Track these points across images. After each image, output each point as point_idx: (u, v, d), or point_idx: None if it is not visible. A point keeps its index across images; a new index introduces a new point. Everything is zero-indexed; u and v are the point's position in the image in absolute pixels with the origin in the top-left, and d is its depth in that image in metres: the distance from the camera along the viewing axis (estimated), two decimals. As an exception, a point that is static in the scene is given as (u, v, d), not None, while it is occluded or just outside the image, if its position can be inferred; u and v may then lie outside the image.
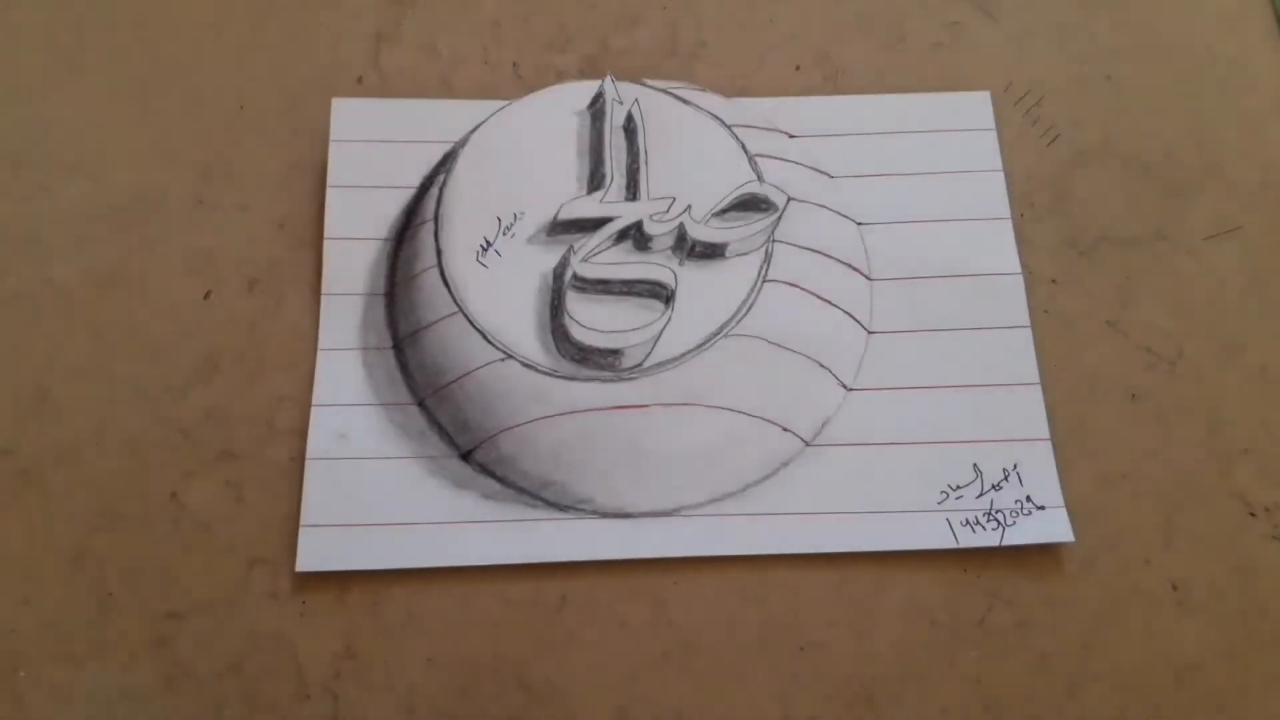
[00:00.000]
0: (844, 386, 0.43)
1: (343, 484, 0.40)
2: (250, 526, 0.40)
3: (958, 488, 0.41)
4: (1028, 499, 0.41)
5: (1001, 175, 0.47)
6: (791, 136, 0.47)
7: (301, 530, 0.39)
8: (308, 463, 0.41)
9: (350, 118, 0.46)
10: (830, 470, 0.41)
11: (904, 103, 0.48)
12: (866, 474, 0.41)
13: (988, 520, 0.40)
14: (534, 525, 0.40)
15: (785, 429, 0.41)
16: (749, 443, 0.41)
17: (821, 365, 0.42)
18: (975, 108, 0.48)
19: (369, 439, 0.41)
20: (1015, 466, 0.41)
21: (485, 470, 0.41)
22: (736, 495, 0.41)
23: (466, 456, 0.41)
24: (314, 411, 0.41)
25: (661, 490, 0.40)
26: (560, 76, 0.48)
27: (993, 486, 0.41)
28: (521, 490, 0.40)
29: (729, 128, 0.45)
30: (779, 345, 0.41)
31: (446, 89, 0.48)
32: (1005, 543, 0.40)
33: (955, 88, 0.49)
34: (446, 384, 0.41)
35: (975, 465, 0.41)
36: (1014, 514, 0.40)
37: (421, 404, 0.42)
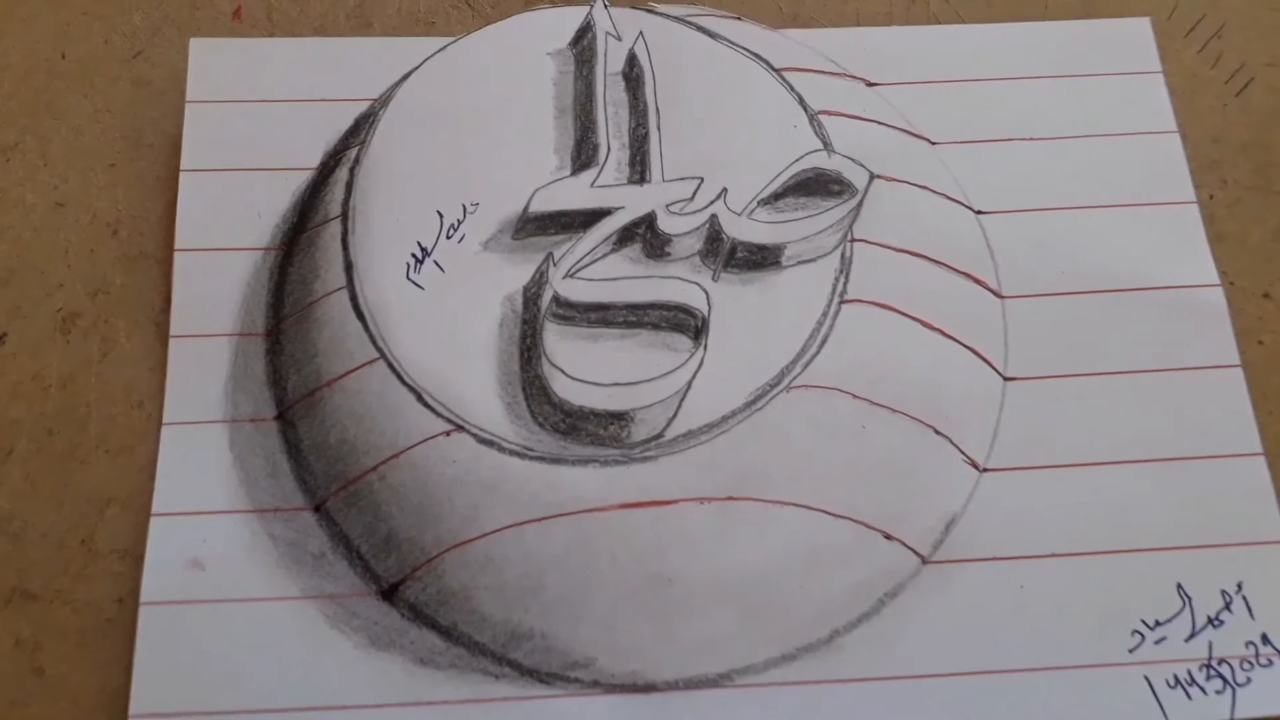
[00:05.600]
0: (974, 465, 0.36)
1: (197, 643, 0.34)
2: (52, 714, 0.34)
3: (1157, 624, 0.33)
4: (1264, 640, 0.33)
5: (1176, 138, 0.40)
6: (870, 84, 0.41)
7: (131, 722, 0.32)
8: (143, 609, 0.34)
9: (217, 67, 0.41)
10: (962, 602, 0.34)
11: (1030, 35, 0.42)
12: (1017, 607, 0.34)
13: (1207, 677, 0.33)
14: (499, 710, 0.33)
15: (889, 536, 0.34)
16: (834, 561, 0.34)
17: (938, 432, 0.35)
18: (1131, 42, 0.42)
19: (238, 568, 0.34)
20: (1240, 588, 0.34)
21: (421, 616, 0.34)
22: (819, 649, 0.33)
23: (391, 594, 0.34)
24: (154, 524, 0.35)
25: (701, 643, 0.33)
26: (529, 0, 0.43)
27: (1209, 620, 0.33)
28: (479, 649, 0.34)
29: (777, 73, 0.39)
30: (870, 401, 0.34)
31: (362, 22, 0.43)
32: (1238, 715, 0.33)
33: (1102, 13, 0.43)
34: (361, 475, 0.34)
35: (1180, 586, 0.34)
36: (1247, 664, 0.33)
37: (321, 508, 0.35)
